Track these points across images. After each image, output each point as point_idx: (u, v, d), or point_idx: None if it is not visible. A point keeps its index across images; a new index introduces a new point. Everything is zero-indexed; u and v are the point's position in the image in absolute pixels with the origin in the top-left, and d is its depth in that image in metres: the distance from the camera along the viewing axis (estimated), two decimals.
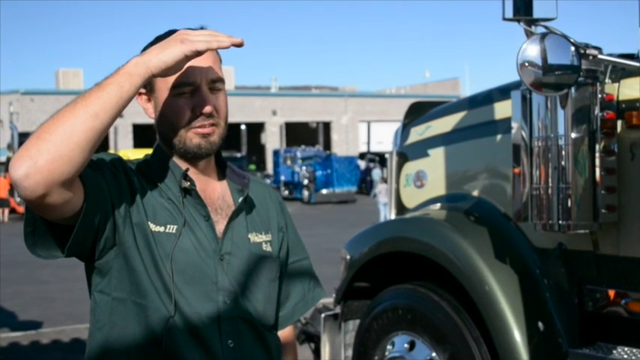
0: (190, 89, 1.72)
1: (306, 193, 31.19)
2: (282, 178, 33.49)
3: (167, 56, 1.54)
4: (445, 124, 4.16)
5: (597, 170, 2.83)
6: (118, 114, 1.50)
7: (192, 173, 1.78)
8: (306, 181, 31.25)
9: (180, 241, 1.70)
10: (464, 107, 4.09)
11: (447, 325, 3.54)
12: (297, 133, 47.34)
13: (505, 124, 3.37)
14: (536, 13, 2.74)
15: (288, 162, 33.48)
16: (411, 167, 4.46)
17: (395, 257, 4.06)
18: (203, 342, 1.69)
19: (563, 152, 2.80)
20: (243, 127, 38.24)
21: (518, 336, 3.22)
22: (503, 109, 3.51)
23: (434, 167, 4.22)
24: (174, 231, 1.71)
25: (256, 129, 46.51)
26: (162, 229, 1.70)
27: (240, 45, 1.60)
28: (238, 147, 38.78)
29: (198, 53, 1.57)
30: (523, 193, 3.00)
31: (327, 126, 48.66)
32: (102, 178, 1.63)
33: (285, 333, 2.02)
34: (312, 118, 48.25)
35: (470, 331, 3.46)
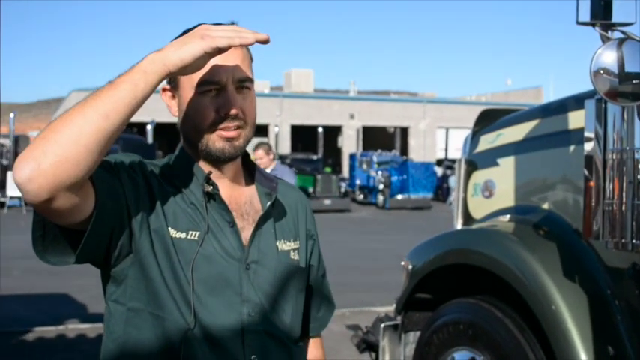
0: (216, 88, 1.61)
1: (381, 198, 30.93)
2: (358, 182, 33.36)
3: (185, 53, 1.42)
4: (516, 132, 4.00)
5: None
6: (132, 114, 1.40)
7: (217, 177, 1.68)
8: (381, 186, 30.99)
9: (202, 248, 1.60)
10: (536, 116, 3.92)
11: (510, 344, 3.38)
12: (374, 138, 47.19)
13: (578, 135, 3.19)
14: (614, 17, 2.56)
15: (364, 166, 33.31)
16: (479, 176, 4.32)
17: (458, 269, 3.92)
18: (224, 357, 1.59)
19: None
20: (320, 129, 38.29)
21: None
22: (577, 119, 3.34)
23: (503, 177, 4.06)
24: (196, 237, 1.61)
25: (333, 132, 46.57)
26: (183, 235, 1.60)
27: (265, 42, 1.48)
28: (315, 149, 38.85)
29: (219, 50, 1.45)
30: (595, 209, 2.82)
31: (404, 131, 48.32)
32: (117, 181, 1.54)
33: (313, 351, 1.93)
34: (390, 122, 47.99)
35: (534, 352, 3.29)
